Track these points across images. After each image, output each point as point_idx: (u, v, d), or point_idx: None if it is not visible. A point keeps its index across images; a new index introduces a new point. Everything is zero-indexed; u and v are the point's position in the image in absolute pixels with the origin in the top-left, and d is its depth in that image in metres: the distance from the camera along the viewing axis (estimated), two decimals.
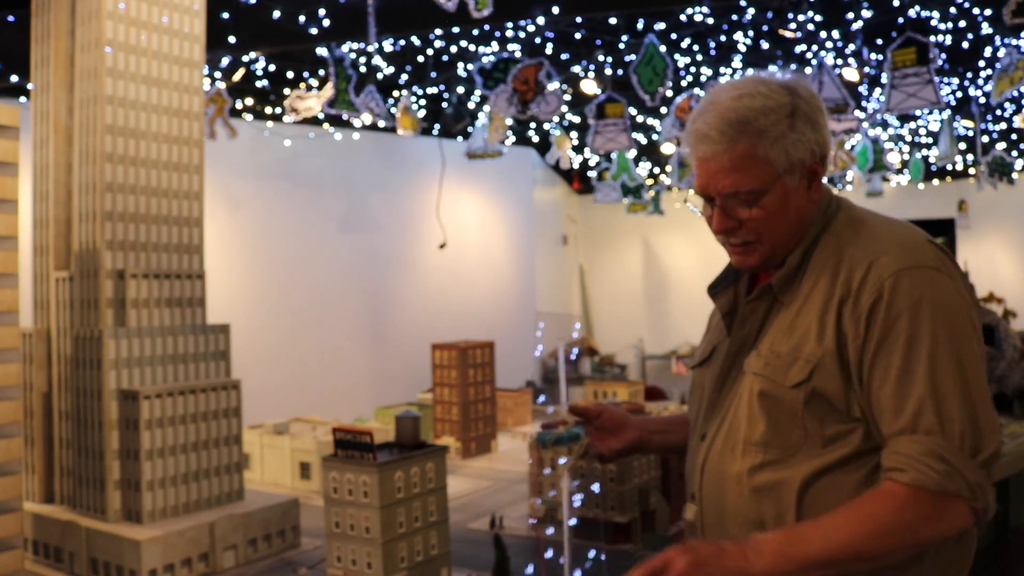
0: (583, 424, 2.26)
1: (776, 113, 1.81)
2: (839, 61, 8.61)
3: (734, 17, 8.04)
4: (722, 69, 9.41)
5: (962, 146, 11.35)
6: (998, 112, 10.98)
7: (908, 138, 12.41)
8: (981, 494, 1.66)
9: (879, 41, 8.20)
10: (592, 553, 3.10)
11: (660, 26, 8.09)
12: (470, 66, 8.90)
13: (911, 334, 1.70)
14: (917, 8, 7.72)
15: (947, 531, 1.68)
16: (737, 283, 2.08)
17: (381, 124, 8.21)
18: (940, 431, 1.66)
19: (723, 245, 1.98)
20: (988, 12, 7.70)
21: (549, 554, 2.47)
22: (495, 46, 8.49)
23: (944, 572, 1.81)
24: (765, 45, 8.74)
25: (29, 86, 6.17)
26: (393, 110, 8.51)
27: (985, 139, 11.48)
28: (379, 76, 8.95)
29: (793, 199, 1.87)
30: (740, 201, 1.85)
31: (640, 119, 11.28)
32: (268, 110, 9.87)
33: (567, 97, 9.74)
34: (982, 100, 9.99)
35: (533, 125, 12.65)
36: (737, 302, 2.04)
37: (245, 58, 8.19)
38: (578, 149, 13.36)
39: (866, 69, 8.77)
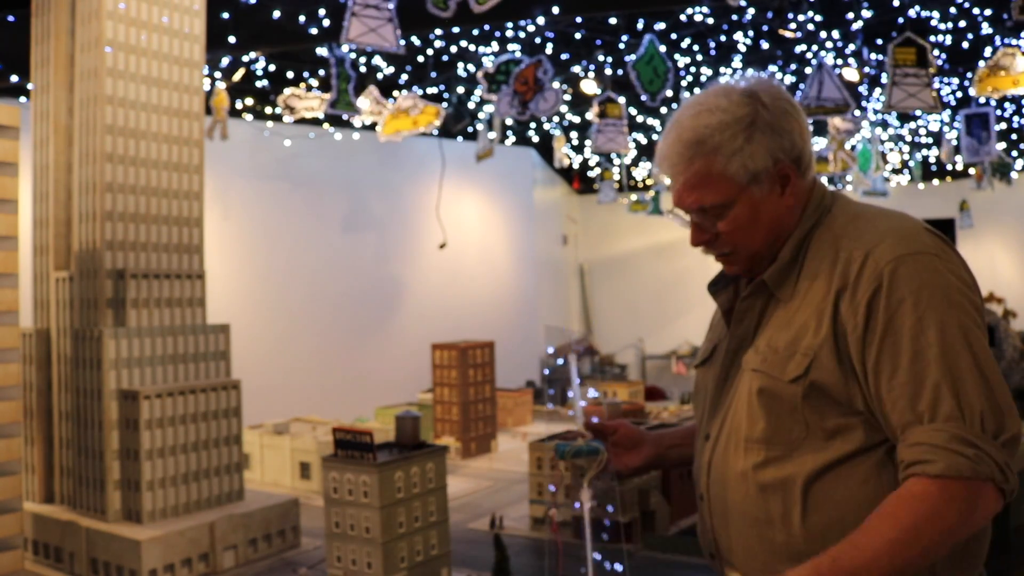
0: (601, 440, 2.24)
1: (731, 128, 1.84)
2: (839, 61, 8.60)
3: (734, 17, 8.04)
4: (722, 69, 9.41)
5: None
6: (998, 112, 10.97)
7: (908, 138, 12.41)
8: (1010, 475, 1.63)
9: (879, 41, 8.21)
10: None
11: (660, 26, 8.10)
12: (470, 66, 8.90)
13: (916, 321, 1.67)
14: (917, 8, 7.73)
15: (984, 518, 1.64)
16: (737, 280, 2.07)
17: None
18: (960, 416, 1.61)
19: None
20: (988, 12, 7.70)
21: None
22: (495, 46, 8.49)
23: (960, 558, 1.79)
24: (765, 45, 8.75)
25: (29, 86, 6.17)
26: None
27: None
28: (379, 76, 8.95)
29: (765, 207, 1.88)
30: (708, 215, 1.90)
31: (640, 119, 11.28)
32: (268, 110, 9.87)
33: (567, 97, 9.74)
34: (982, 100, 9.98)
35: (533, 125, 12.64)
36: (737, 299, 2.03)
37: (245, 58, 8.19)
38: (578, 149, 13.36)
39: (866, 69, 8.77)
